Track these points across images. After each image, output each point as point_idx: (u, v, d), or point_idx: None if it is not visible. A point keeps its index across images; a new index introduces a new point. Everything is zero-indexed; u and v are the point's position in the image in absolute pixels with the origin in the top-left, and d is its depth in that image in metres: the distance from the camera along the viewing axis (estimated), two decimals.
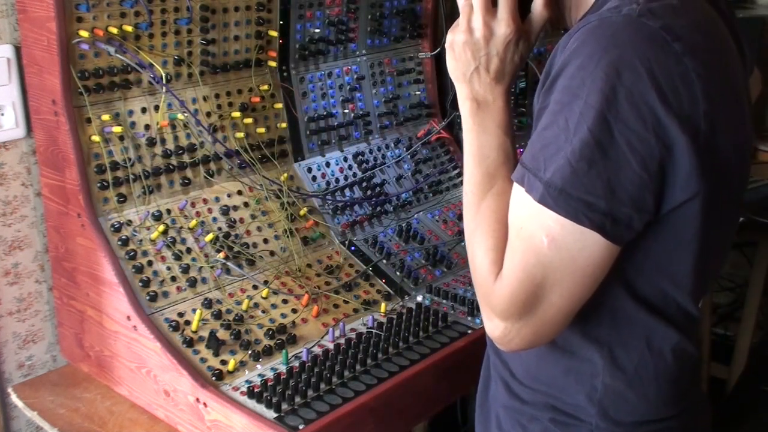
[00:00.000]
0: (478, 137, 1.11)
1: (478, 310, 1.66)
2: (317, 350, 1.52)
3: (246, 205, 1.74)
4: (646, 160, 0.91)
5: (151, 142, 1.62)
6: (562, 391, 1.11)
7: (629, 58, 0.90)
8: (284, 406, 1.34)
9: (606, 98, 0.90)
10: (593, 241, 0.93)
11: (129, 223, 1.57)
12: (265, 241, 1.73)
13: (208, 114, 1.74)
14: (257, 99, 1.82)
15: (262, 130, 1.82)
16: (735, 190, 1.05)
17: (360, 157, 2.02)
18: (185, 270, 1.57)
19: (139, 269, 1.53)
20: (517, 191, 0.99)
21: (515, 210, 1.00)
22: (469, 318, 1.65)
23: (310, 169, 1.92)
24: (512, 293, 0.98)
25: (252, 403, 1.36)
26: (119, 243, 1.53)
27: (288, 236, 1.75)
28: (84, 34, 1.50)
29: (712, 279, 1.15)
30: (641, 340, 1.05)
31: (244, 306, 1.57)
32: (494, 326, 1.03)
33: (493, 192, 1.08)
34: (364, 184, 1.98)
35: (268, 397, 1.35)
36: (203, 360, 1.44)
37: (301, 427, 1.30)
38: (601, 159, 0.91)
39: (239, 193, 1.75)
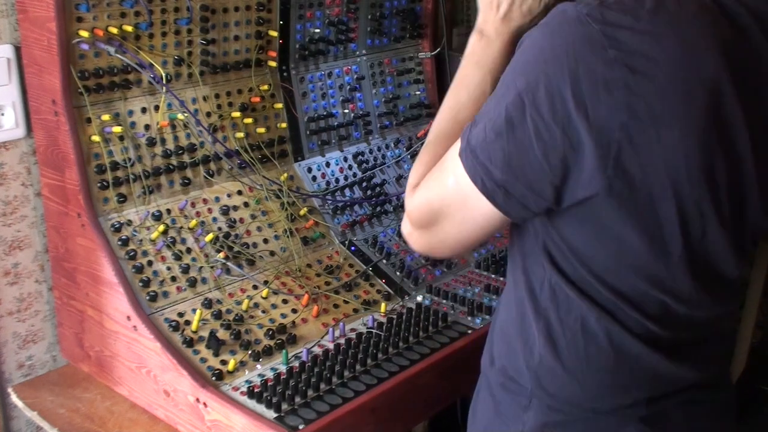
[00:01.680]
0: (469, 67, 1.20)
1: (479, 309, 1.67)
2: (317, 350, 1.52)
3: (246, 205, 1.75)
4: (548, 151, 0.96)
5: (151, 142, 1.62)
6: (511, 354, 1.17)
7: (559, 53, 0.94)
8: (284, 406, 1.34)
9: (527, 82, 0.96)
10: (486, 202, 1.03)
11: (129, 223, 1.57)
12: (265, 241, 1.73)
13: (208, 114, 1.74)
14: (257, 99, 1.82)
15: (262, 130, 1.82)
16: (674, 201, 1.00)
17: (360, 157, 2.02)
18: (185, 270, 1.57)
19: (139, 269, 1.53)
20: (461, 134, 1.07)
21: (454, 146, 1.08)
22: (469, 318, 1.65)
23: (310, 169, 1.92)
24: (416, 208, 1.14)
25: (252, 403, 1.36)
26: (119, 243, 1.53)
27: (288, 236, 1.75)
28: (84, 34, 1.50)
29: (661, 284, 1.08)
30: (577, 321, 1.08)
31: (244, 306, 1.57)
32: (404, 224, 1.19)
33: (456, 119, 1.18)
34: (364, 184, 1.98)
35: (268, 397, 1.35)
36: (203, 360, 1.44)
37: (301, 427, 1.30)
38: (508, 134, 0.98)
39: (239, 193, 1.75)
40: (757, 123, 1.01)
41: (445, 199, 1.08)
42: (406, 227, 1.18)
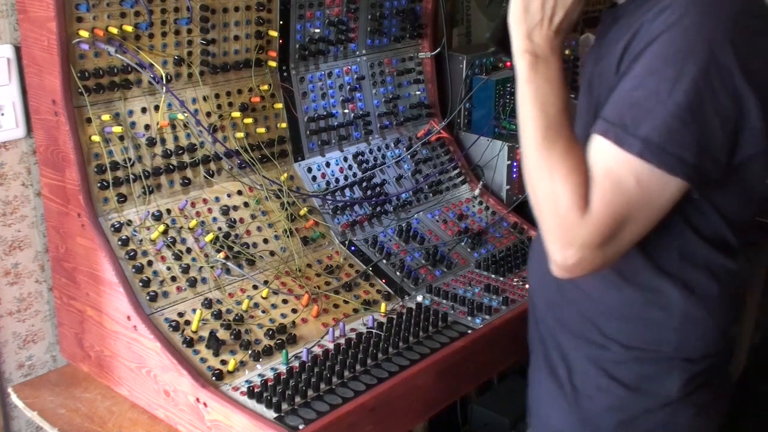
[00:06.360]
0: (540, 87, 1.18)
1: (479, 309, 1.67)
2: (317, 350, 1.52)
3: (246, 205, 1.75)
4: (725, 122, 1.08)
5: (151, 142, 1.62)
6: (640, 328, 1.25)
7: (722, 38, 1.06)
8: (284, 406, 1.34)
9: (701, 71, 1.06)
10: (675, 186, 1.10)
11: (129, 223, 1.57)
12: (265, 241, 1.73)
13: (208, 114, 1.74)
14: (257, 99, 1.82)
15: (262, 130, 1.83)
16: None
17: (360, 157, 2.02)
18: (185, 270, 1.57)
19: (139, 269, 1.53)
20: (600, 141, 1.11)
21: (601, 157, 1.12)
22: (469, 318, 1.65)
23: (310, 169, 1.92)
24: (600, 226, 1.11)
25: (252, 403, 1.36)
26: (119, 243, 1.53)
27: (288, 236, 1.75)
28: (84, 34, 1.50)
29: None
30: (704, 268, 1.22)
31: (244, 306, 1.57)
32: (569, 255, 1.13)
33: (564, 136, 1.17)
34: (364, 184, 1.98)
35: (268, 397, 1.35)
36: (203, 360, 1.44)
37: (301, 427, 1.30)
38: (693, 121, 1.07)
39: (239, 193, 1.75)
40: None
41: (631, 204, 1.10)
42: (573, 256, 1.13)
